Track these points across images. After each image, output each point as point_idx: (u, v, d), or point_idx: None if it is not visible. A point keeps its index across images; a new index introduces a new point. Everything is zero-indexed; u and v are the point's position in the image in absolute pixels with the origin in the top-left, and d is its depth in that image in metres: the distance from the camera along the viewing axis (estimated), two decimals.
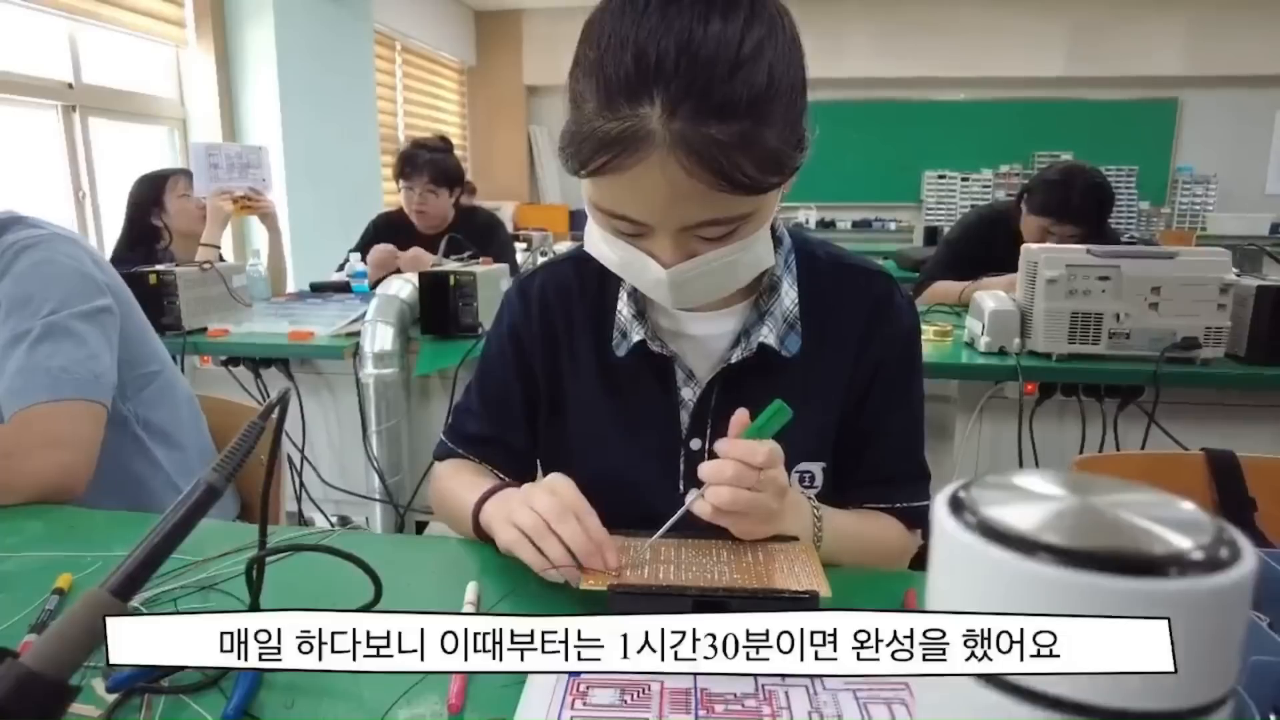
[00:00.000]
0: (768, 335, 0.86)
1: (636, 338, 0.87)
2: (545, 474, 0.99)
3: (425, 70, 7.02)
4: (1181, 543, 0.24)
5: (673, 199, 0.68)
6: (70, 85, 3.46)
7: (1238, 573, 0.23)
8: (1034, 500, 0.27)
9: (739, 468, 0.69)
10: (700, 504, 0.71)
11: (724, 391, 0.88)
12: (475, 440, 0.98)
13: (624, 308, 0.89)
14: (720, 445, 0.72)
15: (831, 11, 7.12)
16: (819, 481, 0.91)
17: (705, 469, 0.71)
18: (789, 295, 0.88)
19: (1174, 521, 0.25)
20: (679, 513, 0.72)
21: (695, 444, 0.89)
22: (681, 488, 0.90)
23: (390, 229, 2.89)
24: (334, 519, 2.31)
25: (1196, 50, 7.03)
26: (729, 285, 0.81)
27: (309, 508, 2.23)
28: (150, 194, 2.66)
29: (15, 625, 0.71)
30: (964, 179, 7.65)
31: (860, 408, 0.91)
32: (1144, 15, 7.00)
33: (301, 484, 2.18)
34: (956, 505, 0.27)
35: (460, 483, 0.92)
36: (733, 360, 0.86)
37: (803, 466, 0.90)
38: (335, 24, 4.69)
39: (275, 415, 0.51)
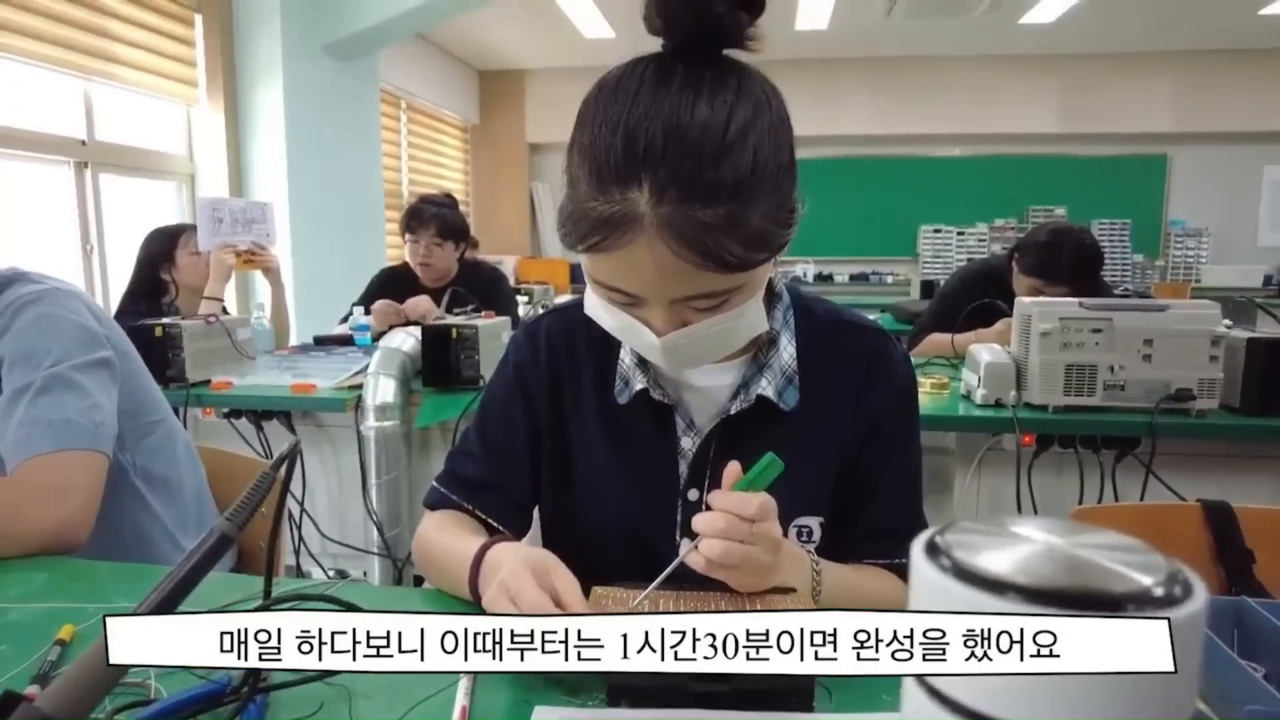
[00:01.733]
0: (766, 388, 0.87)
1: (639, 385, 0.89)
2: (544, 519, 1.00)
3: (430, 128, 7.18)
4: (1139, 581, 0.26)
5: (662, 277, 0.71)
6: (83, 142, 3.55)
7: (1190, 609, 0.25)
8: (1004, 544, 0.28)
9: (730, 520, 0.70)
10: (694, 556, 0.72)
11: (723, 442, 0.89)
12: (472, 485, 0.95)
13: (626, 355, 0.91)
14: (713, 498, 0.72)
15: (830, 71, 7.31)
16: (816, 536, 0.91)
17: (698, 521, 0.72)
18: (787, 350, 0.90)
19: (1132, 562, 0.27)
20: (672, 564, 0.73)
21: (693, 494, 0.90)
22: (679, 537, 0.90)
23: (394, 283, 2.94)
24: (331, 573, 2.29)
25: (1184, 108, 7.21)
26: (723, 350, 0.83)
27: (306, 561, 2.21)
28: (162, 248, 2.70)
29: (17, 676, 0.71)
30: (960, 233, 7.77)
31: (858, 463, 0.91)
32: (1133, 75, 7.21)
33: (300, 537, 2.17)
34: (933, 549, 0.29)
35: (450, 537, 0.89)
36: (732, 411, 0.88)
37: (800, 521, 0.90)
38: (343, 83, 4.81)
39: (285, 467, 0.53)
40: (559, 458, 0.95)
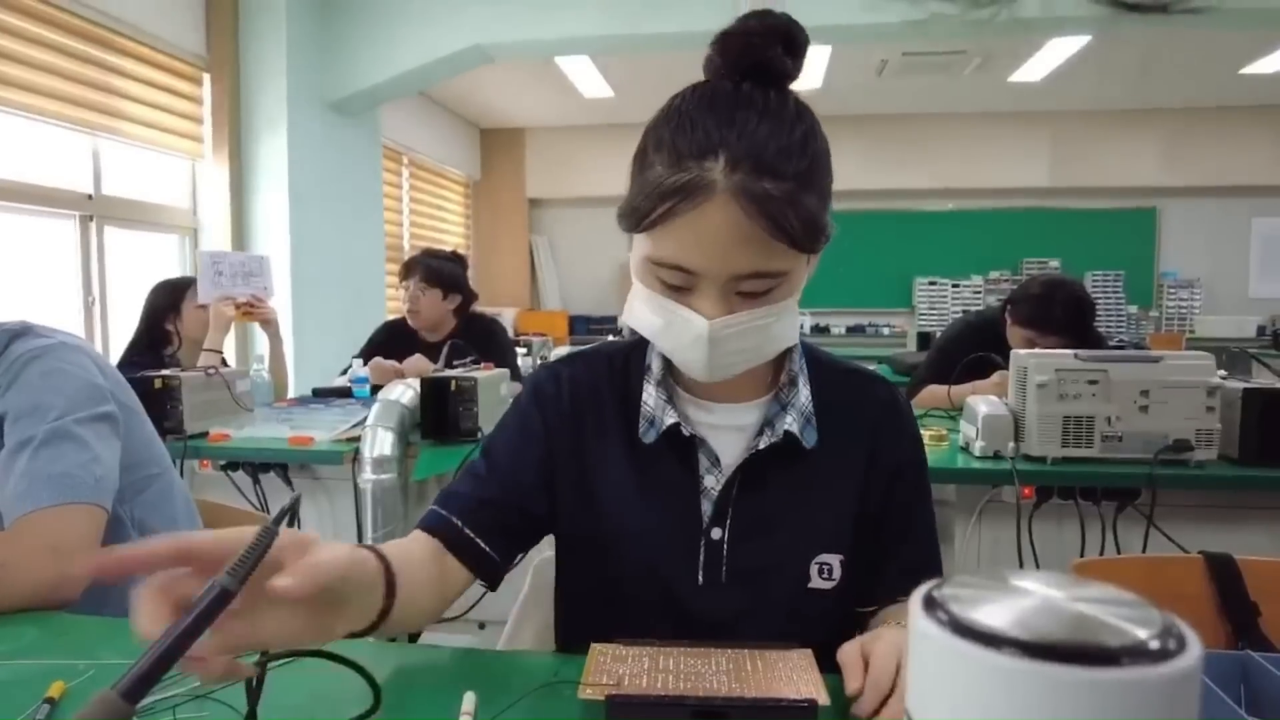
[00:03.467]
0: (792, 424, 0.89)
1: (669, 420, 0.90)
2: (562, 565, 0.99)
3: (431, 183, 7.28)
4: (1133, 635, 0.26)
5: (729, 243, 0.76)
6: (90, 196, 3.60)
7: (1184, 662, 0.25)
8: (1001, 598, 0.29)
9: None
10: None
11: (745, 481, 0.90)
12: (465, 500, 0.92)
13: (649, 397, 0.93)
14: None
15: (825, 128, 7.38)
16: (837, 574, 0.91)
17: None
18: (804, 392, 0.93)
19: (1128, 616, 0.27)
20: None
21: (716, 533, 0.90)
22: (700, 578, 0.90)
23: (395, 335, 2.98)
24: None
25: (1171, 163, 7.37)
26: (761, 352, 0.85)
27: None
28: (168, 300, 2.73)
29: None
30: (955, 285, 7.85)
31: (886, 507, 0.94)
32: (1120, 130, 7.38)
33: None
34: (930, 603, 0.29)
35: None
36: (760, 446, 0.89)
37: (822, 558, 0.91)
38: (346, 138, 4.89)
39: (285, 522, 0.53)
40: (580, 500, 0.95)
